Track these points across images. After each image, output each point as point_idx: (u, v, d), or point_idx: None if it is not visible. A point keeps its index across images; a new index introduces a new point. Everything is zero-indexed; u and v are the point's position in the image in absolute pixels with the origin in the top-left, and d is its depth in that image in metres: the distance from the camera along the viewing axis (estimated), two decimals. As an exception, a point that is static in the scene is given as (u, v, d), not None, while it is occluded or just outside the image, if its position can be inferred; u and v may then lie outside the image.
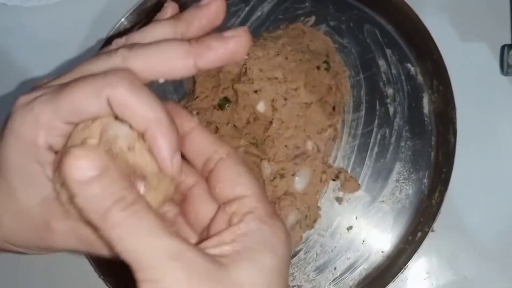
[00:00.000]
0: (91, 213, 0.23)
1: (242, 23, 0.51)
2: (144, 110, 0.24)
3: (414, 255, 0.44)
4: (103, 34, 0.49)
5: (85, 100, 0.24)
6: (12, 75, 0.52)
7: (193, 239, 0.27)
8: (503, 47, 0.47)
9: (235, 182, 0.27)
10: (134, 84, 0.24)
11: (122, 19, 0.48)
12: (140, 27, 0.28)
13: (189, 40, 0.26)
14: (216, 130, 0.45)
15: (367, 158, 0.48)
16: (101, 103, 0.24)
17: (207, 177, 0.28)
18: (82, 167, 0.22)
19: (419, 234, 0.45)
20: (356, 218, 0.47)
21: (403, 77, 0.48)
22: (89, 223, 0.23)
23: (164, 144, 0.25)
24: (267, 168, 0.45)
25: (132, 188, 0.24)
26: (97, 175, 0.23)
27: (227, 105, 0.47)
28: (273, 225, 0.25)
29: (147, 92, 0.25)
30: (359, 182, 0.47)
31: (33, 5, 0.53)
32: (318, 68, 0.47)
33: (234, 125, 0.46)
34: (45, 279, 0.49)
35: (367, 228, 0.47)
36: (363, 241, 0.46)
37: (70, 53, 0.52)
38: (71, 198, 0.23)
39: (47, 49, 0.52)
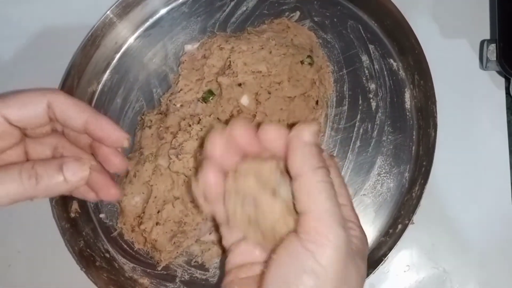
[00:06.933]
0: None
1: (228, 18, 0.51)
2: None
3: (395, 247, 0.44)
4: (89, 26, 0.49)
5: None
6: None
7: None
8: (482, 42, 0.48)
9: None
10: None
11: (108, 12, 0.48)
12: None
13: None
14: (199, 121, 0.46)
15: (349, 152, 0.48)
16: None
17: None
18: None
19: (399, 226, 0.45)
20: (338, 211, 0.47)
21: (385, 72, 0.49)
22: None
23: (106, 122, 0.34)
24: None
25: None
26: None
27: (211, 98, 0.47)
28: None
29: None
30: (342, 175, 0.47)
31: (20, -3, 0.53)
32: (301, 62, 0.47)
33: (218, 118, 0.46)
34: (27, 272, 0.49)
35: (349, 221, 0.47)
36: (345, 234, 0.47)
37: (56, 44, 0.52)
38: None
39: (35, 41, 0.53)
